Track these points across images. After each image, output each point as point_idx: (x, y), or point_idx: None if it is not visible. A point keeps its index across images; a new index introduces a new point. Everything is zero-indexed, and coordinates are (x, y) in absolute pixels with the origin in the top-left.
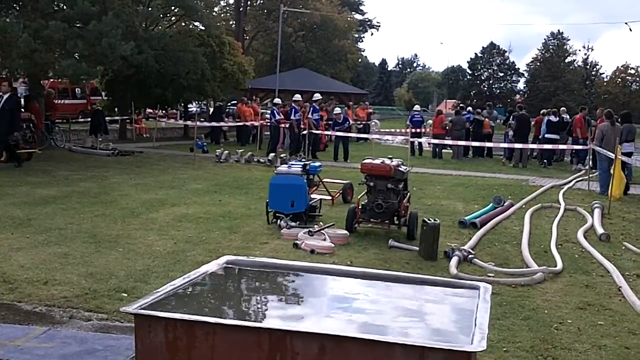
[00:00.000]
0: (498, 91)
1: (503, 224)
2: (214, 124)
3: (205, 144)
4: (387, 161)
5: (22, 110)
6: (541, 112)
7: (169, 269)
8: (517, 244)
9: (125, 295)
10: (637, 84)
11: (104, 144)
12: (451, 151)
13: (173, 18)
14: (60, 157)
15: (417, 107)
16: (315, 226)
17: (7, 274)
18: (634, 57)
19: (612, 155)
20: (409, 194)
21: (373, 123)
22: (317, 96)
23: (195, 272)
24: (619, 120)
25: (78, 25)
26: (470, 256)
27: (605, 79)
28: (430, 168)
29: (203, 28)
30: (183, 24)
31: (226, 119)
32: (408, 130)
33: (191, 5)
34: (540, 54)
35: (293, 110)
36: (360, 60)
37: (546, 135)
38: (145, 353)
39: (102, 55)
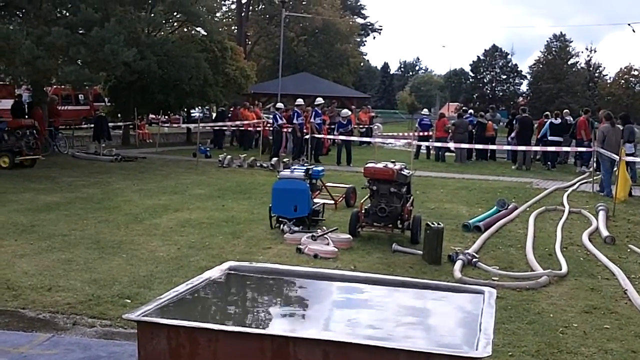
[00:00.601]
0: (501, 94)
1: (507, 227)
2: (218, 123)
3: (208, 149)
4: (390, 165)
5: (26, 116)
6: (544, 114)
7: (172, 274)
8: (522, 247)
9: (129, 301)
10: None
11: (107, 150)
12: (454, 154)
13: (175, 24)
14: (63, 163)
15: (425, 111)
16: (319, 231)
17: (10, 280)
18: (638, 59)
19: (615, 157)
20: (412, 197)
21: (375, 127)
22: (319, 100)
23: (198, 278)
24: (619, 121)
25: (81, 31)
26: (474, 260)
27: (609, 81)
28: (434, 171)
29: (205, 33)
30: (185, 29)
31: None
32: (416, 133)
33: (193, 11)
34: (542, 56)
35: (296, 114)
36: (362, 64)
37: (549, 138)
38: None
39: (104, 61)
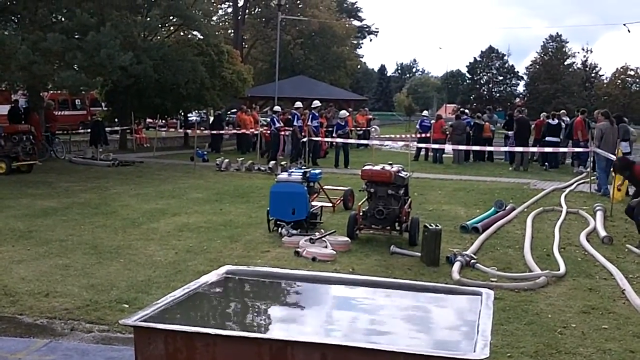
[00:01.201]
0: (498, 95)
1: (505, 228)
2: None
3: (205, 152)
4: (388, 167)
5: (22, 122)
6: (541, 114)
7: (170, 279)
8: (520, 248)
9: (127, 306)
10: (637, 85)
11: (104, 155)
12: (452, 156)
13: (171, 28)
14: (60, 169)
15: (425, 113)
16: (317, 233)
17: (8, 286)
18: (633, 59)
19: (612, 157)
20: (410, 199)
21: (373, 129)
22: (317, 103)
23: (195, 282)
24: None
25: (76, 36)
26: (472, 261)
27: (605, 81)
28: (431, 173)
29: (202, 37)
30: (182, 33)
31: (226, 127)
32: (416, 135)
33: (189, 14)
34: (539, 56)
35: (295, 117)
36: (359, 66)
37: (547, 138)
38: None
39: (101, 66)
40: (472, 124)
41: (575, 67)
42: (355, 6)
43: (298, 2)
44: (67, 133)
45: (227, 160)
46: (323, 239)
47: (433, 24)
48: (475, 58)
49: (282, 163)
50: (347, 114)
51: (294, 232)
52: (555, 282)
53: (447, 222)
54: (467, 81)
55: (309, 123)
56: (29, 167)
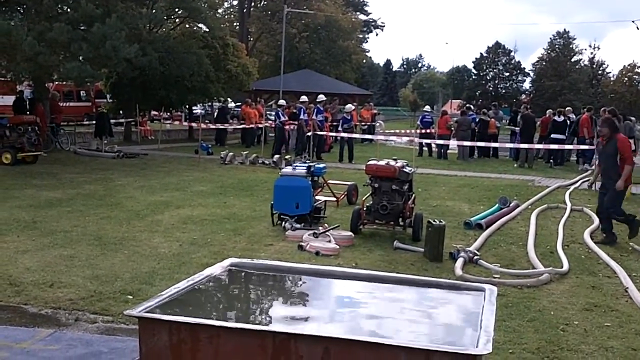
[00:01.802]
0: (504, 91)
1: (509, 225)
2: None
3: (210, 145)
4: (392, 162)
5: (27, 113)
6: (547, 111)
7: (174, 271)
8: (523, 245)
9: (131, 297)
10: None
11: (109, 147)
12: (456, 152)
13: (177, 20)
14: (65, 160)
15: (427, 108)
16: (320, 228)
17: (13, 276)
18: None
19: None
20: (414, 195)
21: (378, 124)
22: (321, 97)
23: (199, 274)
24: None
25: (82, 27)
26: (475, 257)
27: (612, 78)
28: (436, 169)
29: (207, 30)
30: (187, 25)
31: (231, 121)
32: (418, 130)
33: (195, 7)
34: (546, 53)
35: (302, 110)
36: (364, 60)
37: (552, 135)
38: (149, 356)
39: (106, 57)
40: (477, 120)
41: (582, 64)
42: (361, 0)
43: None
44: (72, 124)
45: (231, 153)
46: (326, 233)
47: (439, 19)
48: (481, 54)
49: (287, 157)
50: (353, 108)
51: (298, 226)
52: (559, 280)
53: (450, 218)
54: (473, 77)
55: (314, 117)
56: (34, 158)
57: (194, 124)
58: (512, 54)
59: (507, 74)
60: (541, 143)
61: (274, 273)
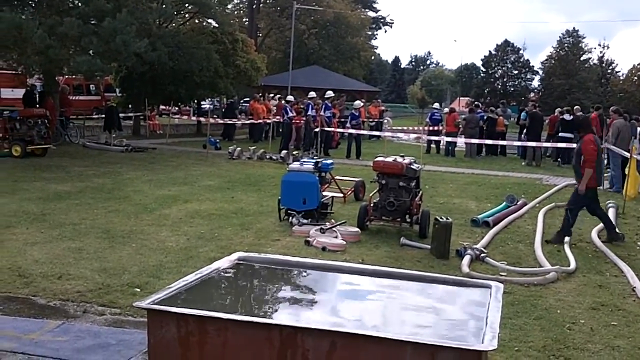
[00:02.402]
0: (512, 89)
1: (516, 223)
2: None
3: (218, 140)
4: (399, 159)
5: (37, 106)
6: (557, 110)
7: (181, 264)
8: (530, 243)
9: (138, 290)
10: None
11: (117, 140)
12: (464, 149)
13: (187, 15)
14: (74, 153)
15: (436, 105)
16: (327, 223)
17: (22, 268)
18: None
19: (627, 154)
20: (421, 192)
21: (385, 121)
22: (330, 94)
23: (207, 268)
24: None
25: (93, 22)
26: (482, 255)
27: (621, 77)
28: (443, 166)
29: (216, 25)
30: (196, 21)
31: (239, 116)
32: (427, 128)
33: (205, 2)
34: (555, 51)
35: (310, 106)
36: (373, 57)
37: (560, 134)
38: (157, 348)
39: (116, 52)
40: (485, 117)
41: (591, 63)
42: None
43: None
44: (81, 118)
45: (239, 148)
46: (333, 229)
47: (448, 17)
48: (490, 51)
49: (294, 153)
50: (361, 104)
51: (305, 221)
52: (565, 278)
53: (457, 216)
54: (482, 75)
55: (322, 113)
56: (44, 150)
57: (202, 119)
58: (521, 52)
59: (515, 72)
60: (549, 141)
61: (281, 267)
